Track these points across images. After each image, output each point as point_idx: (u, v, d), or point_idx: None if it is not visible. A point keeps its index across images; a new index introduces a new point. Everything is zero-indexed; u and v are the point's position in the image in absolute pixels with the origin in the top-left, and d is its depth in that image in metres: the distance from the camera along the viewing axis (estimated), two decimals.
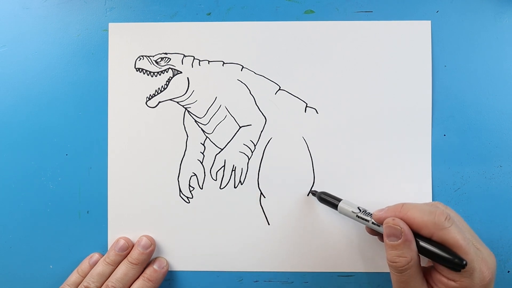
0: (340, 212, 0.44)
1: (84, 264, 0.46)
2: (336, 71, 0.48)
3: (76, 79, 0.48)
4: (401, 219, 0.39)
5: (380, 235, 0.43)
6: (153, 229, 0.48)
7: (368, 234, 0.46)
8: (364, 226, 0.45)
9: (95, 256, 0.47)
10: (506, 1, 0.48)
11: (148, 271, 0.46)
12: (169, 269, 0.48)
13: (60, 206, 0.48)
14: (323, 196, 0.45)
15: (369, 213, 0.42)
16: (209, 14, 0.48)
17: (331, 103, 0.48)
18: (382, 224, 0.40)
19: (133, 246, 0.47)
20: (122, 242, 0.46)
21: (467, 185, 0.47)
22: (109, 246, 0.48)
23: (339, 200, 0.44)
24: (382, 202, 0.47)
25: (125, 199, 0.48)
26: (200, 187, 0.48)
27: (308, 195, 0.47)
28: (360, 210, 0.43)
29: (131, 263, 0.45)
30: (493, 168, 0.47)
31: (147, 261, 0.47)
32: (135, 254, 0.46)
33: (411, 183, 0.47)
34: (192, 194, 0.48)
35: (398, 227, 0.38)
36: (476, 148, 0.47)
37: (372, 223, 0.41)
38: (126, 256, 0.46)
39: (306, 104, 0.48)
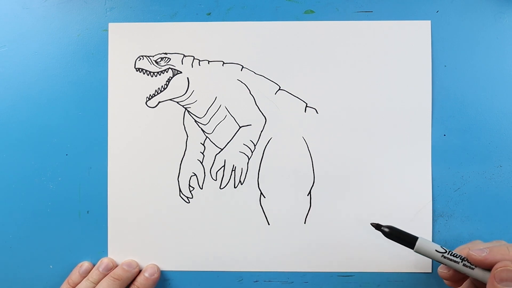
0: (417, 252, 0.40)
1: (74, 275, 0.46)
2: (336, 71, 0.48)
3: (76, 79, 0.48)
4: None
5: (458, 280, 0.41)
6: (152, 229, 0.48)
7: (441, 276, 0.42)
8: (428, 260, 0.41)
9: (85, 265, 0.47)
10: (506, 1, 0.48)
11: (139, 279, 0.46)
12: (169, 269, 0.48)
13: (60, 206, 0.48)
14: (393, 232, 0.40)
15: (456, 253, 0.38)
16: (209, 14, 0.48)
17: (331, 103, 0.48)
18: (483, 267, 0.37)
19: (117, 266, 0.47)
20: (106, 261, 0.47)
21: (467, 185, 0.47)
22: (109, 246, 0.48)
23: (415, 237, 0.40)
24: (382, 202, 0.47)
25: (125, 199, 0.48)
26: (200, 187, 0.48)
27: (308, 194, 0.47)
28: (446, 250, 0.39)
29: (113, 278, 0.45)
30: (493, 168, 0.47)
31: (130, 279, 0.46)
32: (118, 271, 0.46)
33: (411, 183, 0.47)
34: (192, 194, 0.48)
35: None
36: (476, 148, 0.47)
37: (463, 265, 0.38)
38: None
39: (306, 104, 0.48)
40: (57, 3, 0.49)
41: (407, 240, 0.40)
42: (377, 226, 0.41)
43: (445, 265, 0.39)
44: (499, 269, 0.35)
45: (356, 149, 0.47)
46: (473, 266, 0.38)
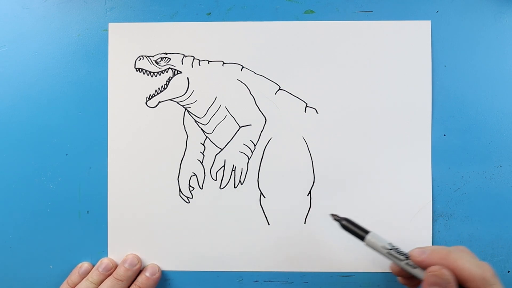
0: (367, 245, 0.41)
1: (74, 275, 0.46)
2: (336, 71, 0.48)
3: (76, 79, 0.48)
4: (448, 267, 0.36)
5: (409, 277, 0.42)
6: (152, 229, 0.48)
7: (392, 272, 0.43)
8: (390, 261, 0.41)
9: (84, 265, 0.47)
10: (506, 1, 0.48)
11: (140, 279, 0.46)
12: (169, 269, 0.48)
13: (60, 206, 0.48)
14: (348, 224, 0.41)
15: (402, 252, 0.39)
16: (209, 14, 0.48)
17: (331, 103, 0.48)
18: (422, 268, 0.38)
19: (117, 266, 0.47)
20: (106, 262, 0.46)
21: (467, 185, 0.47)
22: (109, 246, 0.48)
23: (366, 231, 0.41)
24: (382, 202, 0.47)
25: (125, 199, 0.48)
26: (200, 187, 0.48)
27: (308, 194, 0.47)
28: (393, 247, 0.40)
29: (116, 279, 0.45)
30: (493, 168, 0.47)
31: (133, 278, 0.46)
32: (121, 271, 0.46)
33: (411, 183, 0.47)
34: (192, 194, 0.48)
35: (447, 278, 0.36)
36: (476, 148, 0.47)
37: (406, 263, 0.39)
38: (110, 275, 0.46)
39: (306, 104, 0.48)
40: (57, 3, 0.49)
41: (360, 233, 0.41)
42: (335, 218, 0.42)
43: (392, 261, 0.40)
44: (429, 273, 0.36)
45: (356, 149, 0.47)
46: (416, 266, 0.39)
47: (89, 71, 0.48)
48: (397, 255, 0.39)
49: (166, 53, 0.48)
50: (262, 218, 0.48)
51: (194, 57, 0.48)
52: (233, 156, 0.48)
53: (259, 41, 0.48)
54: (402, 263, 0.39)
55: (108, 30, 0.48)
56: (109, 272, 0.46)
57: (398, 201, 0.47)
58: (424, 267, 0.38)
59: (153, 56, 0.48)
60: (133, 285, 0.46)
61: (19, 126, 0.48)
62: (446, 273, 0.36)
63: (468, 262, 0.36)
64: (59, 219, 0.48)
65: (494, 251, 0.47)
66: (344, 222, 0.42)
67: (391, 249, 0.39)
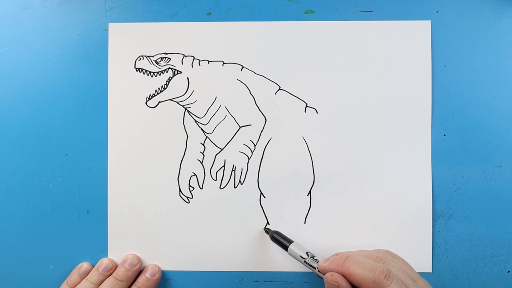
0: (290, 255, 0.44)
1: (74, 275, 0.46)
2: (336, 71, 0.48)
3: (76, 79, 0.48)
4: (343, 273, 0.39)
5: None
6: (152, 229, 0.48)
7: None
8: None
9: (84, 266, 0.47)
10: (506, 1, 0.48)
11: (141, 280, 0.46)
12: (169, 269, 0.48)
13: (60, 206, 0.48)
14: (275, 235, 0.45)
15: (317, 259, 0.42)
16: (209, 14, 0.48)
17: (331, 103, 0.48)
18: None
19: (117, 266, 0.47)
20: (106, 262, 0.46)
21: (467, 185, 0.47)
22: (109, 246, 0.48)
23: (290, 241, 0.44)
24: (382, 202, 0.47)
25: (125, 199, 0.48)
26: (200, 187, 0.48)
27: (308, 194, 0.47)
28: (308, 256, 0.42)
29: (116, 279, 0.45)
30: (493, 168, 0.47)
31: (133, 278, 0.46)
32: (120, 271, 0.46)
33: (411, 183, 0.47)
34: (192, 194, 0.48)
35: (336, 284, 0.38)
36: (476, 148, 0.47)
37: (318, 271, 0.41)
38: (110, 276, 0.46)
39: (306, 104, 0.48)
40: (57, 3, 0.49)
41: (285, 244, 0.44)
42: (267, 231, 0.47)
43: (308, 268, 0.42)
44: (324, 280, 0.39)
45: (356, 149, 0.47)
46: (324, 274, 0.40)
47: (89, 71, 0.48)
48: (313, 263, 0.42)
49: (166, 53, 0.48)
50: (262, 218, 0.48)
51: (194, 57, 0.48)
52: (233, 156, 0.48)
53: (259, 41, 0.48)
54: (315, 271, 0.41)
55: (108, 30, 0.48)
56: (109, 273, 0.46)
57: (398, 201, 0.47)
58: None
59: (153, 56, 0.48)
60: (133, 286, 0.46)
61: (19, 126, 0.48)
62: (337, 279, 0.38)
63: (360, 267, 0.38)
64: (59, 219, 0.48)
65: (494, 251, 0.47)
66: (273, 234, 0.45)
67: (306, 258, 0.42)
